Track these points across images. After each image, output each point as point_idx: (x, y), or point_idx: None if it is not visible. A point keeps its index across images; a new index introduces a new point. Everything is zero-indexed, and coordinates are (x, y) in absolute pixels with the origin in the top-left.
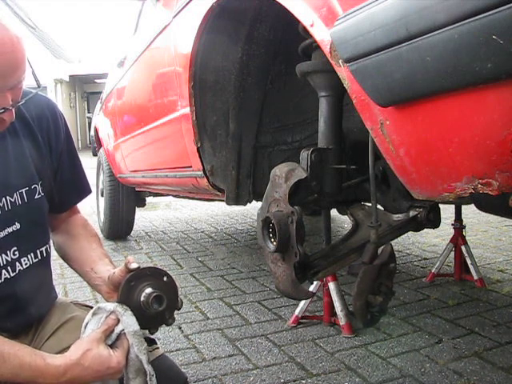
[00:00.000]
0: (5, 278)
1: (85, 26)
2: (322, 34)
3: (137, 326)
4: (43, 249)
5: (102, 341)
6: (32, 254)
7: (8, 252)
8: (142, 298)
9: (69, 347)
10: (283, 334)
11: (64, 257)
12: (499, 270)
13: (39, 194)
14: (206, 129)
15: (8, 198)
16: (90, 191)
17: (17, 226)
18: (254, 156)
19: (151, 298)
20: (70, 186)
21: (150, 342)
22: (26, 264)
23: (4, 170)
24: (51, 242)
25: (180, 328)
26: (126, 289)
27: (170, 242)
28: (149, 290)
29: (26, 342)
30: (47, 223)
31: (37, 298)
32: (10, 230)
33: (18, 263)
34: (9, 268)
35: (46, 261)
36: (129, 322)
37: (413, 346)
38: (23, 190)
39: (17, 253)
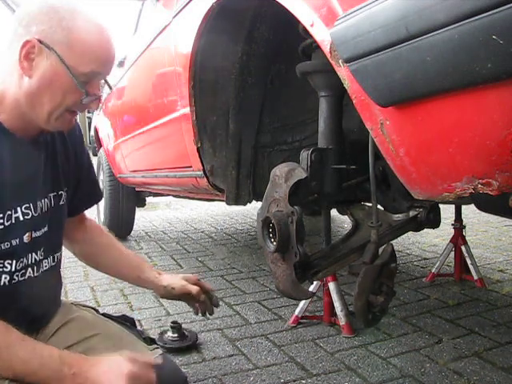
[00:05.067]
0: (28, 276)
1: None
2: (322, 34)
3: None
4: (58, 254)
5: None
6: (51, 257)
7: (38, 251)
8: None
9: (71, 346)
10: (283, 334)
11: (96, 266)
12: (499, 270)
13: (63, 201)
14: (206, 129)
15: (46, 200)
16: (101, 197)
17: (46, 228)
18: (254, 156)
19: None
20: (86, 194)
21: (150, 342)
22: (45, 266)
23: (43, 173)
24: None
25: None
26: None
27: (170, 242)
28: None
29: None
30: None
31: (48, 301)
32: (43, 230)
33: (41, 264)
34: (35, 267)
35: (59, 266)
36: None
37: (413, 345)
38: (52, 195)
39: (43, 253)
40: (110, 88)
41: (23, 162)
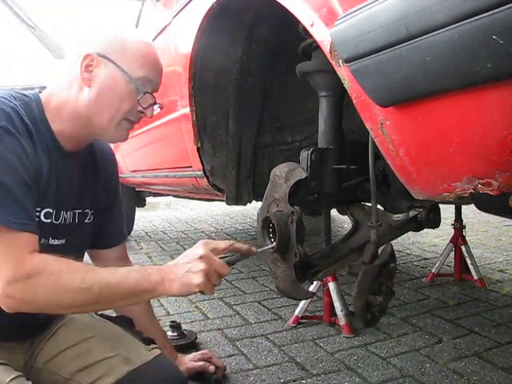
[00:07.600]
0: None
1: (85, 26)
2: (322, 34)
3: None
4: None
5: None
6: None
7: None
8: None
9: (69, 347)
10: (283, 334)
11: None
12: (499, 270)
13: (89, 219)
14: (205, 129)
15: (70, 213)
16: (126, 235)
17: (62, 241)
18: (254, 156)
19: None
20: (110, 227)
21: (149, 342)
22: None
23: (71, 188)
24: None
25: None
26: None
27: (170, 242)
28: None
29: (25, 345)
30: (86, 247)
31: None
32: (54, 242)
33: None
34: None
35: None
36: None
37: (413, 345)
38: (77, 211)
39: None
40: (161, 108)
41: (63, 173)
